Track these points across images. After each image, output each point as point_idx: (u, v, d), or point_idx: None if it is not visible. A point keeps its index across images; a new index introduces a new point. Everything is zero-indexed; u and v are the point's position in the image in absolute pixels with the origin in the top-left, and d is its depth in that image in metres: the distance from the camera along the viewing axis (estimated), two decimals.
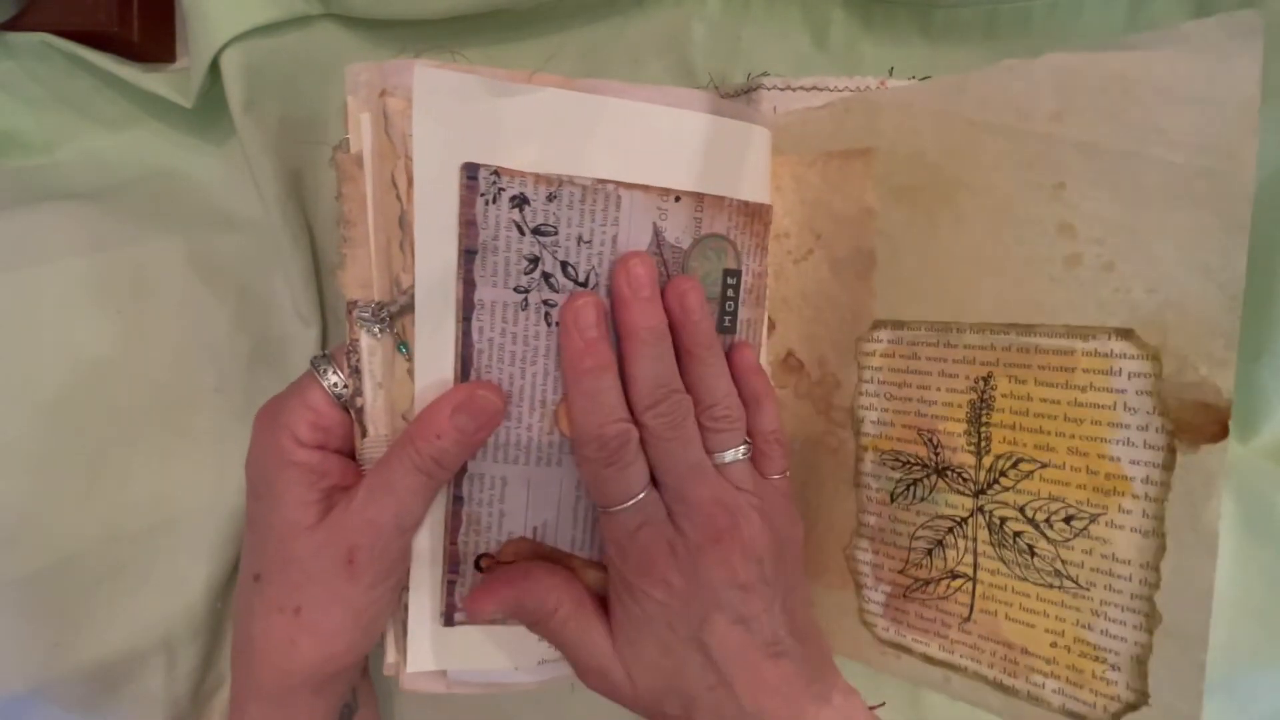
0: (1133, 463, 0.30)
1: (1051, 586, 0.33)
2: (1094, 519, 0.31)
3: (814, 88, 0.39)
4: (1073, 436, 0.31)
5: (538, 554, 0.35)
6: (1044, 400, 0.32)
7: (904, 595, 0.37)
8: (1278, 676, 0.45)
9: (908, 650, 0.37)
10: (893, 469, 0.37)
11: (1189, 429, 0.29)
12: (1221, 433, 0.28)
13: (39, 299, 0.40)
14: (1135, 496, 0.30)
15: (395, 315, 0.32)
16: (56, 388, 0.39)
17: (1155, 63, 0.29)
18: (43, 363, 0.39)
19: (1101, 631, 0.32)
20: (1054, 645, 0.33)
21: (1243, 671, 0.44)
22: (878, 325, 0.37)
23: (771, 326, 0.40)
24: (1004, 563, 0.34)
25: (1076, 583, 0.32)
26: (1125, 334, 0.30)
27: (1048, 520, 0.32)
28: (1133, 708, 0.31)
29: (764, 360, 0.39)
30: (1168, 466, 0.29)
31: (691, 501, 0.32)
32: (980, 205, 0.33)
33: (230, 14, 0.38)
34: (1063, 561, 0.32)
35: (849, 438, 0.39)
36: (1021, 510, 0.33)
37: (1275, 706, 0.45)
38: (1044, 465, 0.32)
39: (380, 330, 0.32)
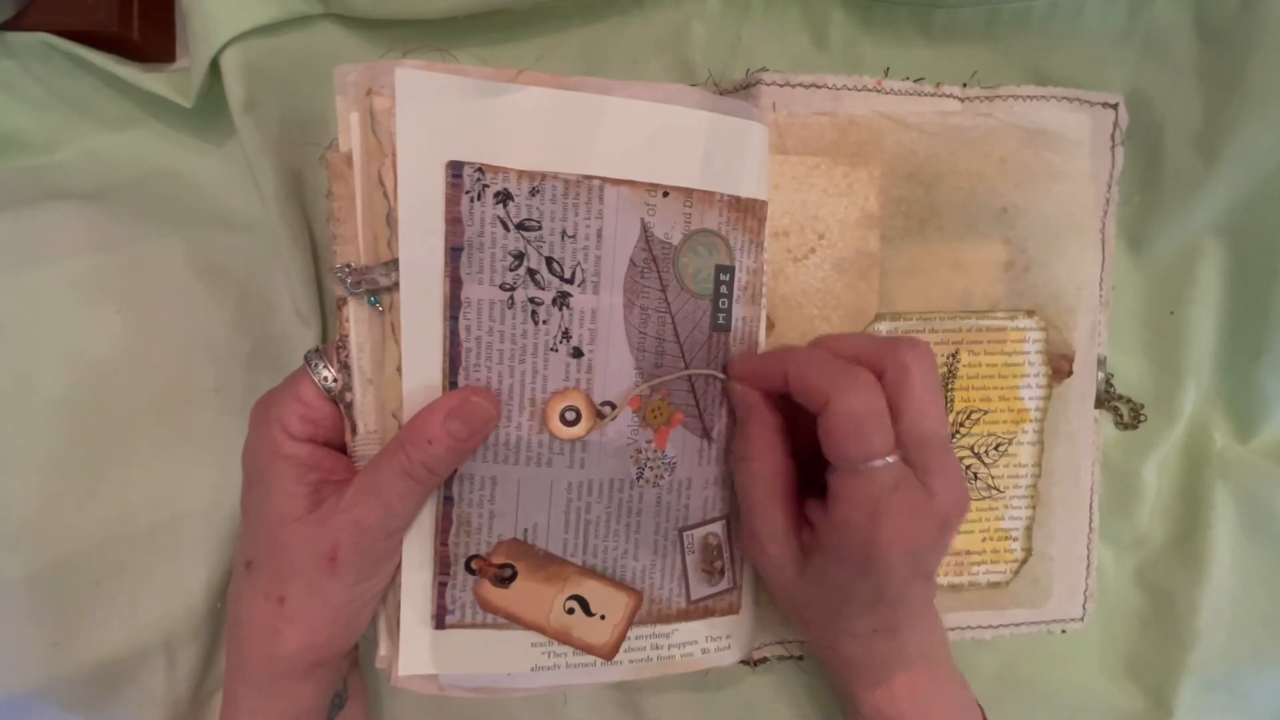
0: (1030, 399, 0.43)
1: (984, 498, 0.44)
2: (1011, 442, 0.44)
3: (813, 85, 0.40)
4: (1002, 389, 0.43)
5: (529, 556, 0.35)
6: (988, 365, 0.43)
7: None
8: (1278, 676, 0.45)
9: None
10: None
11: (1057, 372, 0.43)
12: (1070, 371, 0.43)
13: (39, 299, 0.40)
14: (1031, 420, 0.43)
15: (378, 290, 0.33)
16: (57, 388, 0.39)
17: (1052, 130, 0.42)
18: (43, 363, 0.39)
19: (1010, 518, 0.44)
20: (984, 540, 0.44)
21: (1243, 671, 0.44)
22: (879, 318, 0.41)
23: (770, 325, 0.40)
24: None
25: (998, 489, 0.44)
26: (1030, 314, 0.43)
27: (986, 451, 0.43)
28: (1024, 562, 0.44)
29: None
30: (1046, 397, 0.43)
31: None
32: (955, 219, 0.42)
33: (230, 14, 0.38)
34: (992, 477, 0.44)
35: None
36: (971, 449, 0.43)
37: (1275, 706, 0.45)
38: (986, 413, 0.43)
39: (355, 289, 0.33)
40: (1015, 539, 0.44)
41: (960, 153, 0.41)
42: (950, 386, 0.42)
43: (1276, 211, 0.42)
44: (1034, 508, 0.44)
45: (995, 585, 0.44)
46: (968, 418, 0.43)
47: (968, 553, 0.44)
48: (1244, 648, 0.44)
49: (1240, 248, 0.44)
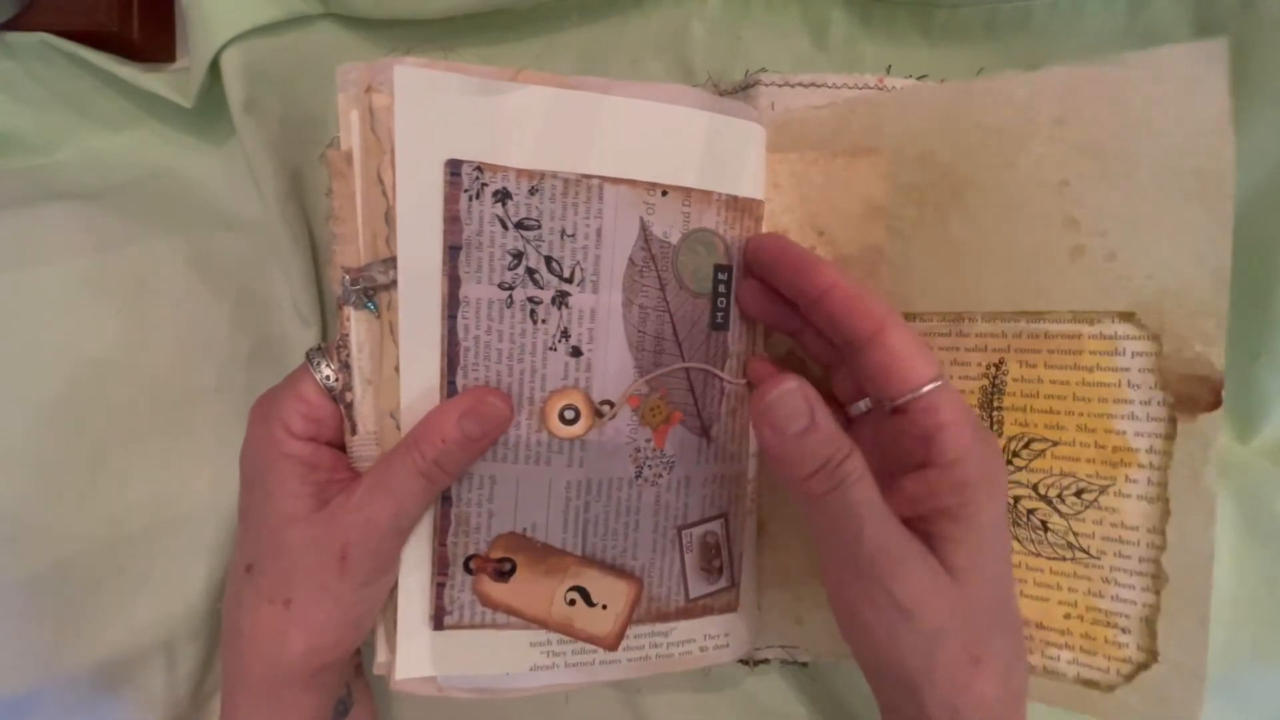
0: (1137, 435, 0.33)
1: (1064, 559, 0.34)
2: (1103, 490, 0.33)
3: (812, 84, 0.39)
4: (1081, 414, 0.34)
5: (528, 549, 0.35)
6: (1053, 382, 0.34)
7: None
8: (1278, 677, 0.45)
9: None
10: None
11: (1188, 401, 0.32)
12: (1216, 402, 0.31)
13: (39, 299, 0.40)
14: (1141, 466, 0.33)
15: (375, 288, 0.32)
16: (56, 388, 0.39)
17: (1144, 77, 0.32)
18: (43, 363, 0.39)
19: (1112, 597, 0.34)
20: (1067, 616, 0.34)
21: (1243, 671, 0.44)
22: None
23: None
24: (1019, 540, 0.35)
25: (1088, 553, 0.34)
26: (1127, 317, 0.33)
27: (1060, 495, 0.34)
28: (1144, 667, 0.33)
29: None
30: (1169, 436, 0.32)
31: None
32: (990, 202, 0.35)
33: (230, 14, 0.38)
34: (1074, 534, 0.34)
35: None
36: (1034, 488, 0.35)
37: (1275, 706, 0.45)
38: (1055, 444, 0.34)
39: (356, 298, 0.33)
40: (1125, 629, 0.34)
41: (990, 122, 0.35)
42: (997, 404, 0.35)
43: (1276, 211, 0.42)
44: (1157, 593, 0.33)
45: (1090, 684, 0.34)
46: (1025, 446, 0.35)
47: (1039, 626, 0.35)
48: (1244, 648, 0.44)
49: (1240, 247, 0.44)
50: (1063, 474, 0.34)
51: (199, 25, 0.38)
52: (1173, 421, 0.32)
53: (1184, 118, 0.32)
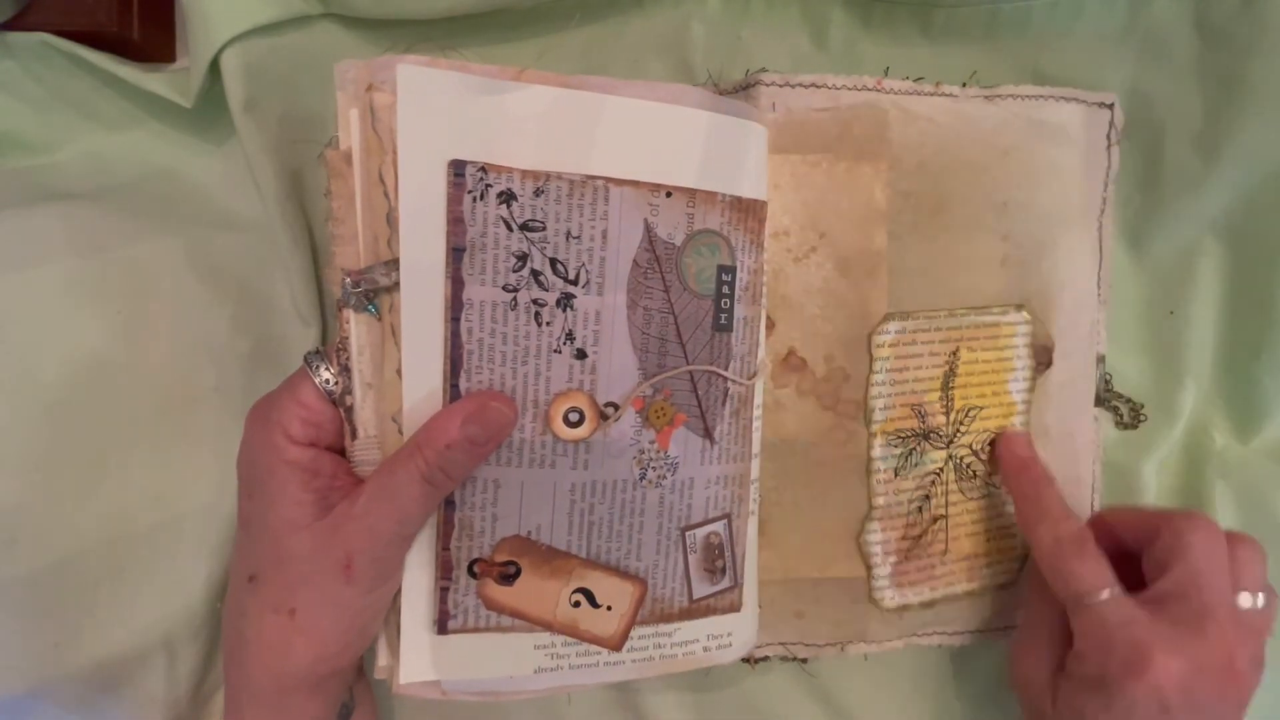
0: (1018, 392, 0.43)
1: (986, 496, 0.43)
2: (1002, 435, 0.43)
3: (813, 85, 0.40)
4: (995, 384, 0.43)
5: (532, 552, 0.35)
6: (984, 361, 0.42)
7: (905, 558, 0.42)
8: (1276, 678, 0.45)
9: (908, 607, 0.42)
10: (895, 446, 0.42)
11: (1039, 364, 0.43)
12: (1049, 362, 0.43)
13: (39, 299, 0.40)
14: (1020, 414, 0.43)
15: (377, 291, 0.32)
16: (56, 388, 0.39)
17: (1058, 121, 0.42)
18: (43, 363, 0.39)
19: (1009, 514, 0.44)
20: (988, 540, 0.44)
21: None
22: (888, 318, 0.40)
23: (770, 325, 0.40)
24: (963, 493, 0.43)
25: (995, 485, 0.43)
26: (1019, 307, 0.42)
27: (983, 448, 0.43)
28: (1028, 558, 0.44)
29: (763, 359, 0.39)
30: (1032, 389, 0.43)
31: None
32: (962, 214, 0.41)
33: (230, 14, 0.38)
34: (990, 474, 0.43)
35: (859, 428, 0.41)
36: (970, 447, 0.43)
37: (1275, 707, 0.45)
38: (982, 409, 0.43)
39: (356, 301, 0.32)
40: (1016, 535, 0.44)
41: (968, 143, 0.40)
42: (951, 385, 0.42)
43: (1276, 211, 0.42)
44: None
45: (1004, 587, 0.44)
46: (966, 415, 0.42)
47: (975, 555, 0.43)
48: None
49: (1240, 247, 0.44)
50: (985, 431, 0.43)
51: (199, 25, 0.38)
52: (1033, 379, 0.43)
53: (1071, 165, 0.42)
